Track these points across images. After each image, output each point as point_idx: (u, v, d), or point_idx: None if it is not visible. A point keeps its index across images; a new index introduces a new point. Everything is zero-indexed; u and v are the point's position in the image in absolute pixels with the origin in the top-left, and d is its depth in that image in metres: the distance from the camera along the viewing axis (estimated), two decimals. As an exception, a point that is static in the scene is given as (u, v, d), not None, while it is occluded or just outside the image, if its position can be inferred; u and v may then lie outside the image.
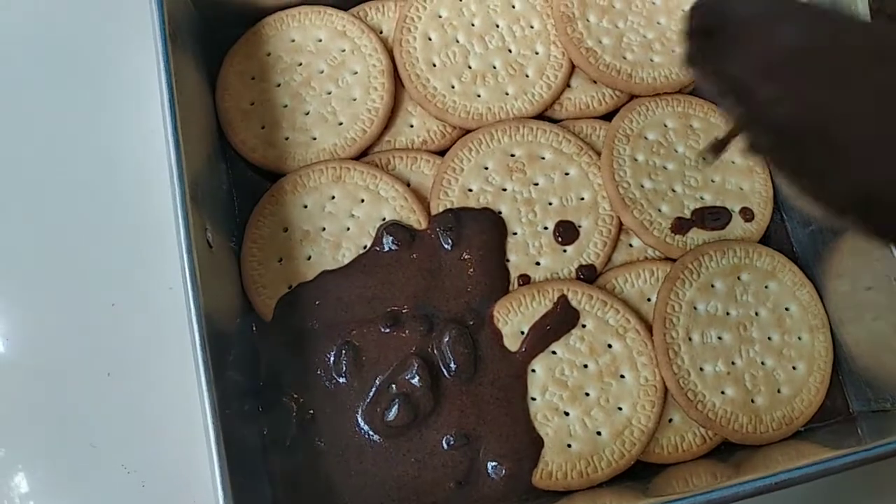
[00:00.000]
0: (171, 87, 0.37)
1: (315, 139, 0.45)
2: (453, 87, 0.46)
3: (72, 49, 0.49)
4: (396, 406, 0.38)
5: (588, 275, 0.42)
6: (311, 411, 0.39)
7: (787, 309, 0.42)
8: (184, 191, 0.36)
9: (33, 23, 0.50)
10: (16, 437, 0.43)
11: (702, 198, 0.44)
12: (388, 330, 0.40)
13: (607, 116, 0.47)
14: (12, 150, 0.48)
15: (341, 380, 0.39)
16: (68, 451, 0.43)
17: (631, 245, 0.44)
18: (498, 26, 0.47)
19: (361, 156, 0.45)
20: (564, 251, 0.43)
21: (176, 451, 0.42)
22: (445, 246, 0.42)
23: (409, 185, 0.45)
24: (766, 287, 0.42)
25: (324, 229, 0.43)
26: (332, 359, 0.40)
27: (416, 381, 0.39)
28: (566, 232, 0.43)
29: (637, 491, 0.38)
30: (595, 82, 0.47)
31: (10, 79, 0.49)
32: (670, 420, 0.40)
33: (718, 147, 0.29)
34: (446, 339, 0.40)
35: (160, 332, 0.44)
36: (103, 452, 0.43)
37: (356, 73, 0.46)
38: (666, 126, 0.46)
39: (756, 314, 0.42)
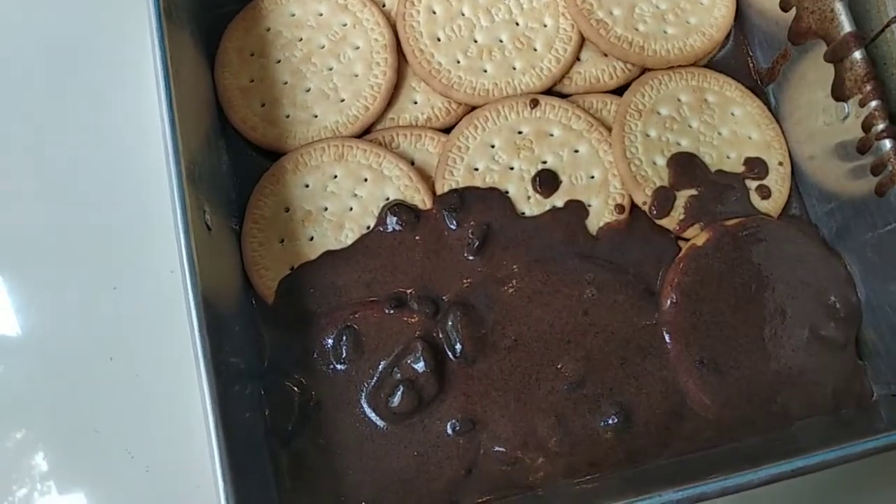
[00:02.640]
0: (167, 65, 0.36)
1: (316, 117, 0.44)
2: (458, 61, 0.44)
3: (66, 28, 0.48)
4: (400, 392, 0.37)
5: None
6: (314, 395, 0.39)
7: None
8: (180, 171, 0.35)
9: (26, 2, 0.49)
10: (20, 422, 0.43)
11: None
12: (392, 312, 0.39)
13: (618, 91, 0.45)
14: (7, 133, 0.47)
15: (341, 366, 0.39)
16: (72, 436, 0.42)
17: (643, 224, 0.43)
18: (505, -2, 0.46)
19: (364, 133, 0.44)
20: (574, 231, 0.42)
21: (179, 436, 0.42)
22: (451, 226, 0.41)
23: (413, 163, 0.43)
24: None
25: (326, 209, 0.42)
26: (331, 344, 0.39)
27: (420, 365, 0.38)
28: (576, 212, 0.42)
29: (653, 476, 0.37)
30: (606, 55, 0.45)
31: (2, 60, 0.48)
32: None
33: None
34: (451, 321, 0.39)
35: (161, 316, 0.43)
36: (107, 437, 0.42)
37: (358, 48, 0.45)
38: (679, 100, 0.44)
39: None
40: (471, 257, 0.41)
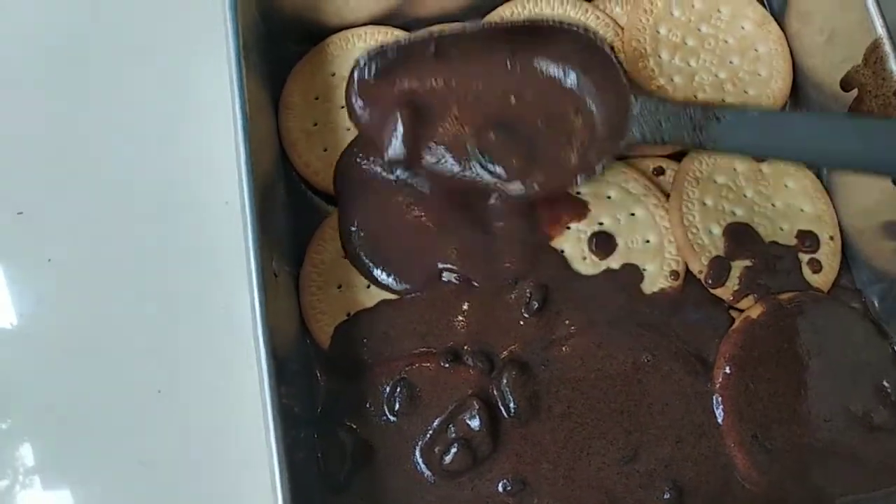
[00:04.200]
0: (245, 114, 0.37)
1: (378, 165, 0.44)
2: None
3: (140, 64, 0.49)
4: (455, 450, 0.38)
5: (651, 320, 0.41)
6: (367, 445, 0.39)
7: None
8: (256, 221, 0.36)
9: (102, 35, 0.50)
10: (65, 451, 0.43)
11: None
12: (447, 366, 0.40)
13: (674, 156, 0.46)
14: (75, 167, 0.47)
15: (394, 418, 0.39)
16: (116, 468, 0.43)
17: (695, 291, 0.43)
18: (567, 58, 0.46)
19: (423, 184, 0.45)
20: (628, 295, 0.42)
21: (227, 471, 0.42)
22: (508, 282, 0.42)
23: (470, 216, 0.44)
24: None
25: (384, 258, 0.43)
26: (385, 395, 0.39)
27: (475, 423, 0.38)
28: (630, 275, 0.42)
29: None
30: (664, 120, 0.46)
31: (78, 90, 0.48)
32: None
33: None
34: (506, 379, 0.39)
35: (213, 352, 0.44)
36: (151, 471, 0.42)
37: (422, 99, 0.45)
38: (735, 170, 0.45)
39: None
40: (527, 315, 0.41)
